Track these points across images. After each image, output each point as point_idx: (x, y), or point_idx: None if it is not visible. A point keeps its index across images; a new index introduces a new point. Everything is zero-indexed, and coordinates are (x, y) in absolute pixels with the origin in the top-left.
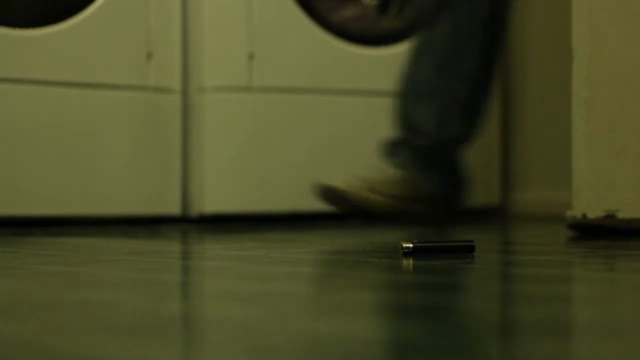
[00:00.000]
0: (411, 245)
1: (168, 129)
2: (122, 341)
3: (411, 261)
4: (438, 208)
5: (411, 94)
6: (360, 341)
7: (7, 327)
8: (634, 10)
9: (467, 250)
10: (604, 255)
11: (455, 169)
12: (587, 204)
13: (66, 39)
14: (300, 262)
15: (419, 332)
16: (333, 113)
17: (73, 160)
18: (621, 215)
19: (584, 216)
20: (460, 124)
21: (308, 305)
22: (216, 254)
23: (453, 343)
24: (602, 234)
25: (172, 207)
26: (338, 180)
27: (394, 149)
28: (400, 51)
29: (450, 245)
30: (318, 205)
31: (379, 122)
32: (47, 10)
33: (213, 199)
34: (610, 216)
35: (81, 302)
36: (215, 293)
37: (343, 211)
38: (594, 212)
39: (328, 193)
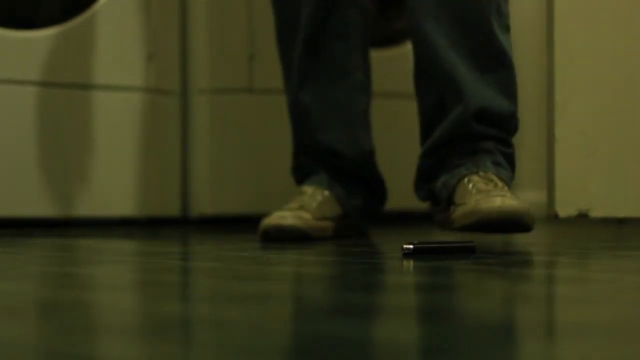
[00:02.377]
0: (412, 246)
1: (168, 130)
2: (122, 341)
3: (411, 262)
4: (363, 219)
5: (310, 118)
6: (360, 342)
7: (7, 327)
8: (604, 18)
9: (468, 251)
10: (603, 256)
11: (373, 177)
12: (560, 203)
13: (66, 40)
14: (299, 263)
15: (419, 333)
16: None
17: (73, 162)
18: (593, 214)
19: (556, 215)
20: (369, 134)
21: (307, 306)
22: (216, 255)
23: (453, 344)
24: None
25: (172, 208)
26: (285, 217)
27: (309, 172)
28: (401, 53)
29: (450, 246)
30: None
31: (380, 123)
32: (47, 12)
33: (213, 200)
34: (582, 215)
35: (81, 302)
36: (215, 294)
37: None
38: (567, 211)
39: (283, 233)
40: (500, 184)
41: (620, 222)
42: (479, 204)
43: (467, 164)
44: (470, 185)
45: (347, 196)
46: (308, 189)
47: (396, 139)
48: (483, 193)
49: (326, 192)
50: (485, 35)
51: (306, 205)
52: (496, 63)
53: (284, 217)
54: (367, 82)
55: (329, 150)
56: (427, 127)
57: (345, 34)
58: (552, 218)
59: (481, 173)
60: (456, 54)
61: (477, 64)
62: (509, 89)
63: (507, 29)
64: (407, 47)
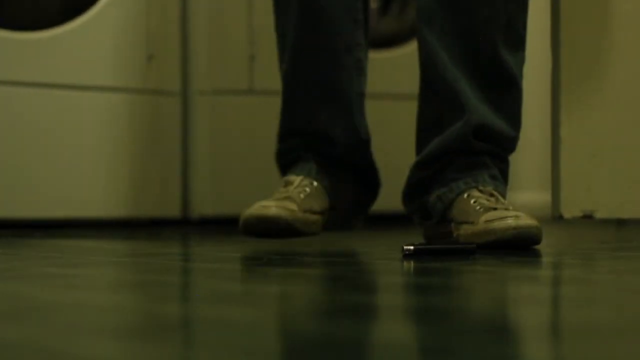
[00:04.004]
0: (412, 247)
1: (168, 131)
2: (122, 342)
3: (412, 263)
4: (353, 211)
5: (304, 94)
6: (360, 343)
7: (7, 328)
8: (609, 18)
9: (468, 252)
10: (606, 257)
11: (366, 166)
12: (565, 204)
13: (66, 41)
14: (299, 264)
15: (419, 334)
16: None
17: (73, 163)
18: (598, 215)
19: (560, 216)
20: (365, 121)
21: (307, 307)
22: (216, 256)
23: (453, 345)
24: None
25: (173, 209)
26: (269, 207)
27: (297, 158)
28: (402, 53)
29: (451, 247)
30: None
31: (382, 124)
32: (47, 13)
33: (213, 202)
34: (587, 216)
35: (81, 303)
36: (215, 295)
37: (275, 236)
38: (572, 212)
39: (266, 224)
40: (501, 199)
41: (620, 222)
42: (492, 224)
43: (465, 178)
44: (473, 201)
45: (337, 188)
46: (295, 178)
47: (395, 140)
48: (490, 211)
49: (315, 183)
50: (489, 52)
51: (293, 196)
52: (499, 83)
53: (267, 206)
54: (365, 63)
55: (322, 135)
56: (423, 138)
57: (351, 6)
58: (557, 219)
59: (480, 187)
60: (458, 68)
61: (479, 81)
62: (512, 111)
63: (517, 47)
64: (406, 49)
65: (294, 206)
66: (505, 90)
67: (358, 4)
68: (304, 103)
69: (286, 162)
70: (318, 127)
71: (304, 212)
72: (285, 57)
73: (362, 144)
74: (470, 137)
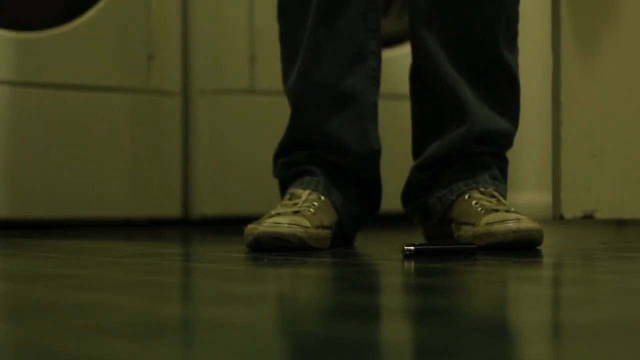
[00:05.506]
0: (412, 247)
1: (169, 131)
2: (122, 342)
3: (412, 263)
4: (355, 228)
5: (316, 100)
6: (359, 343)
7: (7, 328)
8: (609, 18)
9: (468, 252)
10: (604, 257)
11: (373, 181)
12: (565, 205)
13: (67, 41)
14: (300, 264)
15: (419, 334)
16: None
17: (74, 163)
18: (598, 215)
19: (561, 217)
20: (377, 132)
21: (308, 307)
22: (217, 257)
23: (454, 345)
24: None
25: (173, 210)
26: (281, 224)
27: (302, 172)
28: (402, 53)
29: (451, 247)
30: None
31: (382, 124)
32: (48, 13)
33: (214, 202)
34: (587, 217)
35: (81, 303)
36: (215, 295)
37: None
38: (572, 212)
39: (279, 242)
40: (502, 199)
41: (620, 222)
42: (493, 227)
43: (466, 179)
44: (474, 203)
45: (344, 203)
46: (302, 192)
47: (395, 140)
48: (492, 213)
49: (322, 198)
50: (491, 51)
51: (302, 211)
52: (501, 84)
53: (279, 223)
54: (379, 72)
55: (333, 143)
56: (422, 138)
57: (366, 14)
58: (558, 219)
59: (481, 188)
60: (459, 70)
61: (481, 82)
62: (513, 112)
63: (514, 44)
64: (407, 48)
65: (306, 222)
66: (507, 90)
67: (374, 13)
68: (315, 110)
69: (290, 175)
70: (329, 135)
71: (316, 228)
72: (296, 66)
73: (372, 153)
74: (471, 142)
